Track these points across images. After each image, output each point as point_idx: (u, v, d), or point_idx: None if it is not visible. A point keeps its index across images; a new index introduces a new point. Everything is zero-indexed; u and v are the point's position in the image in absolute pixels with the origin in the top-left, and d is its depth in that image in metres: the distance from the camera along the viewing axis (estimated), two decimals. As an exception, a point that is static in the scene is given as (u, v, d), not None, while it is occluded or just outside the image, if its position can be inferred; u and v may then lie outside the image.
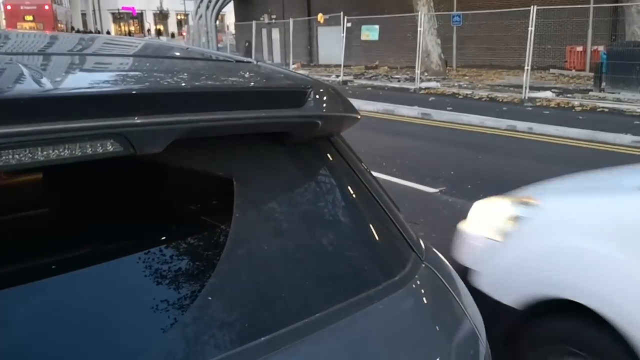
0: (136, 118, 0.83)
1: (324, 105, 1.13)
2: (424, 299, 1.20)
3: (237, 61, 1.30)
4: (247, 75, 1.21)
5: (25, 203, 1.38)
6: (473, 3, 18.30)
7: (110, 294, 0.91)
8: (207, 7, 30.58)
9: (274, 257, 1.07)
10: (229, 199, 1.04)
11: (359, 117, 1.24)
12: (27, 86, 0.82)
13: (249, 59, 1.35)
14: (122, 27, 63.81)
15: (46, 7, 31.09)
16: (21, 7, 30.79)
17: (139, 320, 0.90)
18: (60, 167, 0.82)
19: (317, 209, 1.19)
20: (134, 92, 0.89)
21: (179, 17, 68.46)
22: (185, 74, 1.13)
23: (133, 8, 61.41)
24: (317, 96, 1.12)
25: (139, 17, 65.70)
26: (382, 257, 1.22)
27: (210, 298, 0.94)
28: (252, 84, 1.14)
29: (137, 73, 1.12)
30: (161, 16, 67.90)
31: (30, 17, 30.44)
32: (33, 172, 1.38)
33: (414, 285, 1.16)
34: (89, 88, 0.92)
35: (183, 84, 1.02)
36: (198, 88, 1.00)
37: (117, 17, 64.03)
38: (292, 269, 1.07)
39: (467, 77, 17.28)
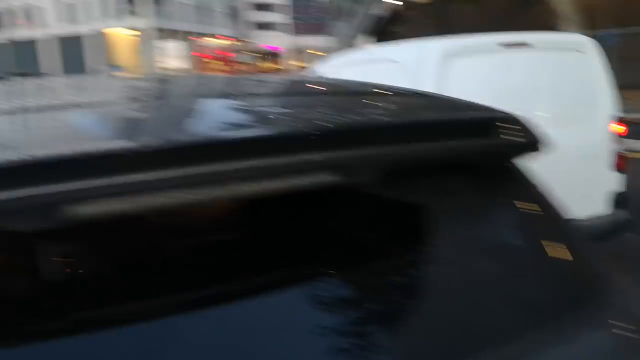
0: (349, 151, 0.89)
1: (510, 134, 1.13)
2: (619, 337, 1.12)
3: (418, 94, 1.35)
4: (435, 106, 1.25)
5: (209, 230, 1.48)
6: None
7: (289, 322, 0.92)
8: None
9: (460, 285, 1.07)
10: (414, 228, 1.06)
11: (544, 145, 1.22)
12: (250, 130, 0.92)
13: (428, 92, 1.39)
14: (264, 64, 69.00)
15: (229, 56, 45.94)
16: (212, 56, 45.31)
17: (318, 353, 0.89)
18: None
19: (503, 237, 1.18)
20: (345, 126, 0.96)
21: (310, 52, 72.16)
22: (383, 108, 1.19)
23: (277, 48, 68.47)
24: (504, 125, 1.12)
25: (276, 55, 70.82)
26: (571, 288, 1.17)
27: (406, 327, 0.96)
28: (445, 115, 1.17)
29: (340, 109, 1.19)
30: (297, 52, 71.88)
31: (220, 63, 45.28)
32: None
33: (610, 321, 1.10)
34: (301, 126, 1.00)
35: (385, 117, 1.08)
36: (398, 120, 1.06)
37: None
38: (480, 299, 1.06)
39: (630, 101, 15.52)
